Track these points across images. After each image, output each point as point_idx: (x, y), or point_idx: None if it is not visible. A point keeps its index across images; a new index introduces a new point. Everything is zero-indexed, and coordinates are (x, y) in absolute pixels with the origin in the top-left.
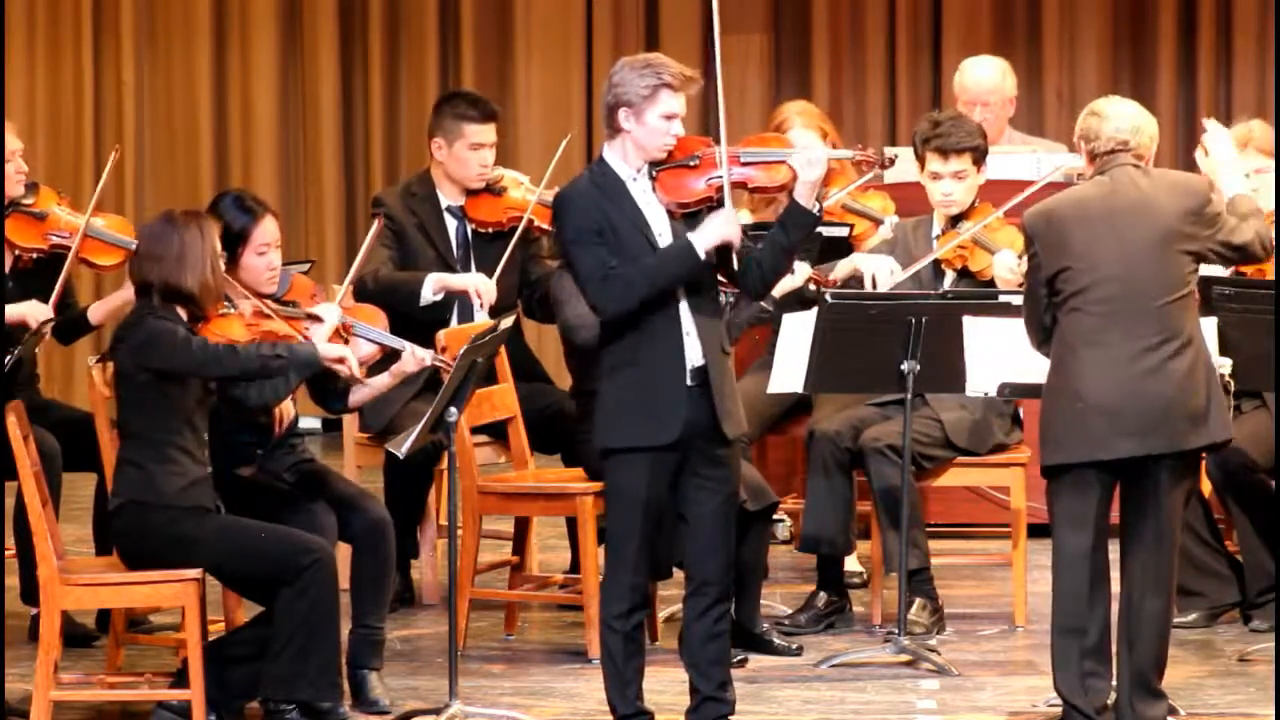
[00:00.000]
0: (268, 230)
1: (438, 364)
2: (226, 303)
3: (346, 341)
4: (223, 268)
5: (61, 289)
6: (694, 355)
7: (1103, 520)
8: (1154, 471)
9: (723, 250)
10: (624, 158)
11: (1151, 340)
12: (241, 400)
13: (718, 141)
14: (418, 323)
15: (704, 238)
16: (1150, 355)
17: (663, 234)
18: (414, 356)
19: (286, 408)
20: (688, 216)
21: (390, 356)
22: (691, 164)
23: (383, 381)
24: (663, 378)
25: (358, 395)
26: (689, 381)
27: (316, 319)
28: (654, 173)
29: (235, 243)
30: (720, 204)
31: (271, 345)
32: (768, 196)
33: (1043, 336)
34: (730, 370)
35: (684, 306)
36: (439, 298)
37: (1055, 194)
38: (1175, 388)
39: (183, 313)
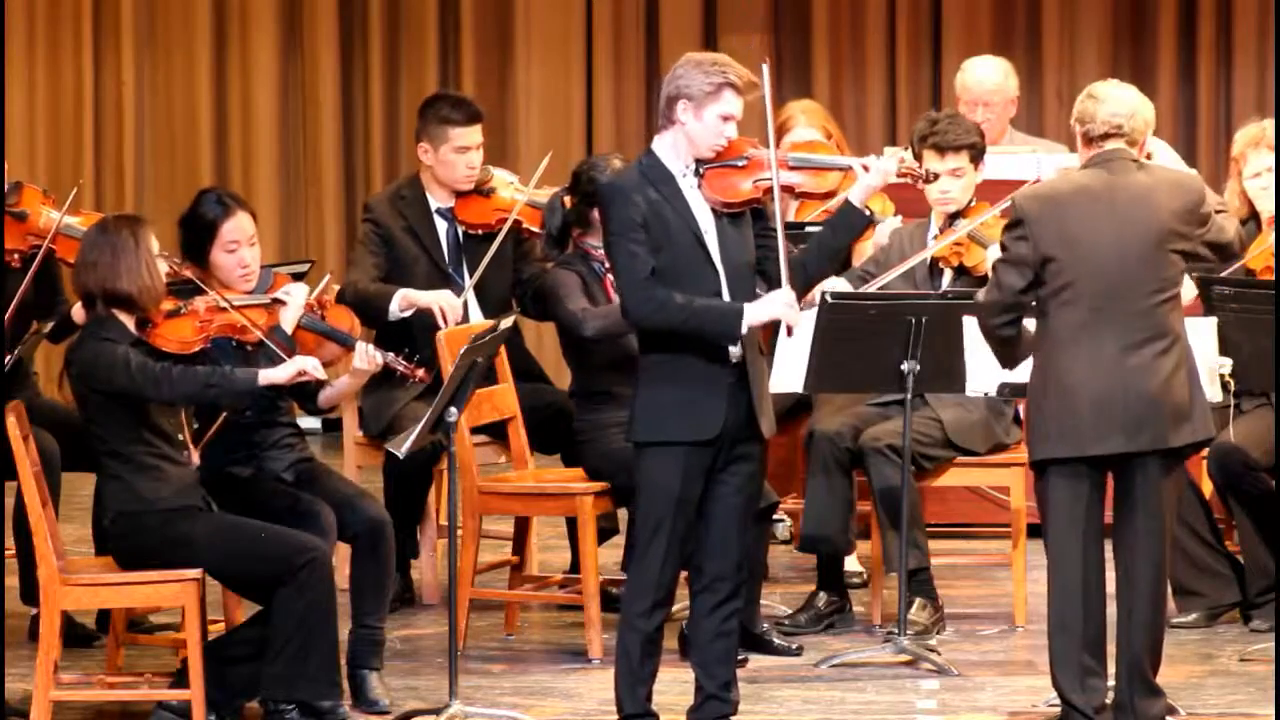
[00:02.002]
0: (239, 226)
1: (396, 366)
2: (180, 300)
3: (324, 316)
4: (161, 269)
5: (25, 290)
6: (735, 351)
7: (1095, 517)
8: (1142, 468)
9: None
10: (675, 152)
11: (1140, 337)
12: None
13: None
14: (410, 328)
15: (757, 312)
16: (1139, 352)
17: (709, 231)
18: (366, 355)
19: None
20: (731, 217)
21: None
22: (739, 164)
23: (344, 382)
24: (704, 375)
25: (325, 395)
26: (729, 379)
27: (281, 303)
28: (701, 170)
29: (205, 238)
30: (763, 204)
31: (209, 373)
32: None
33: (1010, 317)
34: (765, 370)
35: None
36: (407, 314)
37: (1051, 180)
38: (1162, 385)
39: (128, 319)
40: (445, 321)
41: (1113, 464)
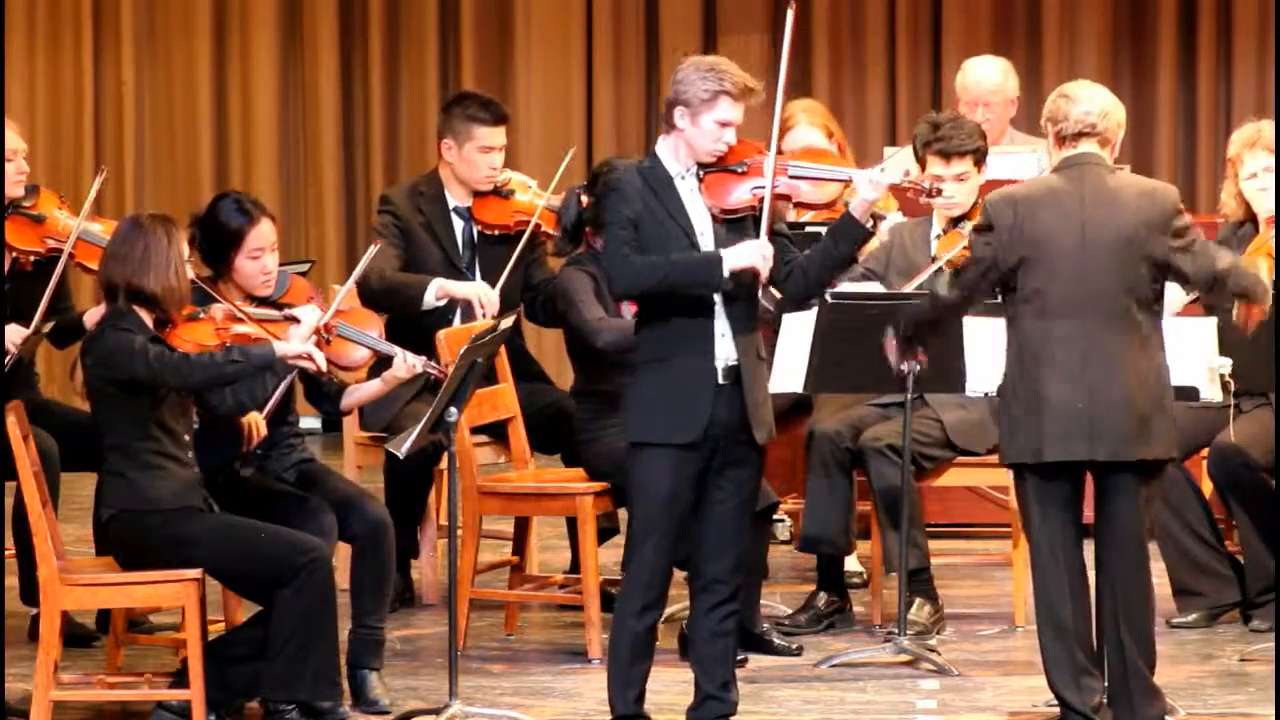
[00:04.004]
0: (262, 234)
1: (430, 370)
2: (197, 306)
3: (327, 344)
4: (189, 273)
5: (52, 295)
6: (728, 354)
7: (1072, 519)
8: (1111, 475)
9: (747, 280)
10: (675, 155)
11: (1108, 344)
12: (216, 406)
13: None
14: (418, 325)
15: (734, 258)
16: (1105, 359)
17: (704, 234)
18: (405, 363)
19: (256, 422)
20: (730, 223)
21: (385, 361)
22: (739, 170)
23: (374, 387)
24: (691, 376)
25: (349, 400)
26: (721, 380)
27: (294, 320)
28: (701, 174)
29: (229, 245)
30: (761, 212)
31: (226, 350)
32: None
33: (968, 296)
34: (764, 376)
35: (719, 309)
36: (441, 303)
37: (1023, 183)
38: (1125, 394)
39: (148, 317)
40: (484, 313)
41: (1085, 469)
